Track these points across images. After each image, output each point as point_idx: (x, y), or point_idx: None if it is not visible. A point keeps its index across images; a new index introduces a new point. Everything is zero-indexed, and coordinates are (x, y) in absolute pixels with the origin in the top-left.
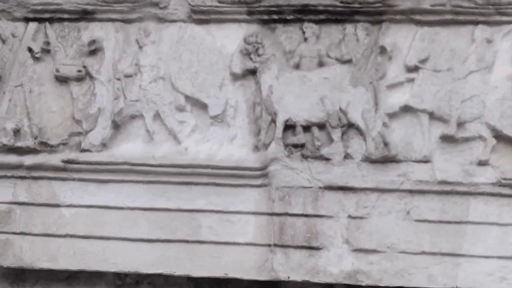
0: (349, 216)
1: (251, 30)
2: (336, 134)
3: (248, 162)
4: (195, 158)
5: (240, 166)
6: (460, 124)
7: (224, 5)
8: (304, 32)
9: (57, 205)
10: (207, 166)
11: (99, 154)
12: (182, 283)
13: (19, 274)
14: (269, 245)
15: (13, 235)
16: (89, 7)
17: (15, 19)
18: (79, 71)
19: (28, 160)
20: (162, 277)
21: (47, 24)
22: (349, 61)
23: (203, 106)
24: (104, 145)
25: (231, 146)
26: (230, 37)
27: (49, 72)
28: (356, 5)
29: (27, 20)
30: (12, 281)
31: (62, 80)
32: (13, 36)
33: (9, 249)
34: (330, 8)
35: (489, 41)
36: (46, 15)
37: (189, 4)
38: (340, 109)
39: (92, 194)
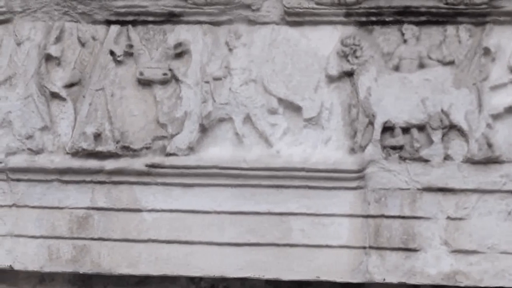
0: (448, 217)
1: (347, 32)
2: (437, 136)
3: (345, 164)
4: (289, 161)
5: (337, 169)
6: None
7: (322, 7)
8: (403, 34)
9: (138, 210)
10: (301, 169)
11: (186, 158)
12: (259, 286)
13: (86, 280)
14: (364, 247)
15: (91, 241)
16: (177, 10)
17: (96, 22)
18: (165, 74)
19: (109, 164)
20: (238, 280)
21: (129, 26)
22: (451, 63)
23: (296, 109)
24: (191, 149)
25: (326, 149)
26: (324, 39)
27: (131, 76)
28: (462, 6)
29: (108, 22)
30: (79, 287)
31: (145, 83)
32: (94, 39)
33: (86, 255)
34: (433, 10)
35: None
36: (130, 18)
37: (284, 6)
38: (442, 111)
39: (176, 198)
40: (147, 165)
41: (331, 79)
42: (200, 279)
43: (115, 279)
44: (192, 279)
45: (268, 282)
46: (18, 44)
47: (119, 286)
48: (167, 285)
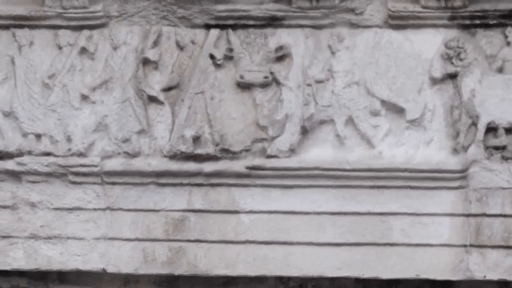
0: None
1: (450, 35)
2: None
3: (449, 164)
4: (392, 162)
5: (441, 169)
6: None
7: (427, 10)
8: (506, 36)
9: (236, 212)
10: (405, 170)
11: (288, 160)
12: (348, 285)
13: (172, 281)
14: (465, 246)
15: (187, 242)
16: (279, 14)
17: (195, 26)
18: (266, 77)
19: (208, 167)
20: (327, 280)
21: (229, 30)
22: None
23: (399, 111)
24: (292, 151)
25: (428, 150)
26: (427, 42)
27: (230, 79)
28: None
29: (207, 27)
30: None
31: (244, 86)
32: (193, 43)
33: (182, 257)
34: None
35: None
36: (230, 22)
37: (389, 10)
38: None
39: (275, 200)
40: (247, 167)
41: (434, 81)
42: (289, 278)
43: (201, 280)
44: (280, 279)
45: (358, 281)
46: (114, 48)
47: (205, 286)
48: (255, 285)
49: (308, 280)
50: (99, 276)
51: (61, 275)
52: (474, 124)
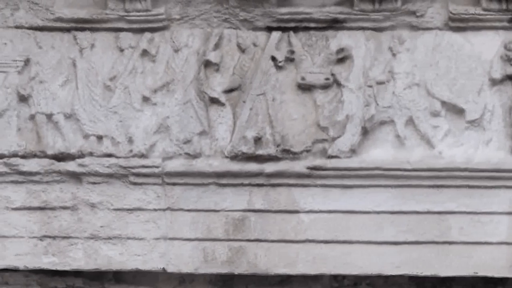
0: None
1: (510, 37)
2: None
3: (507, 164)
4: (452, 162)
5: (500, 168)
6: None
7: (488, 13)
8: None
9: (296, 211)
10: (464, 169)
11: (348, 160)
12: (402, 283)
13: (227, 280)
14: None
15: (247, 242)
16: (341, 16)
17: (256, 29)
18: (327, 79)
19: (269, 167)
20: (381, 278)
21: (291, 33)
22: None
23: (458, 111)
24: (353, 151)
25: (487, 149)
26: (486, 44)
27: (290, 80)
28: None
29: (269, 29)
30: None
31: (304, 88)
32: (254, 45)
33: (242, 256)
34: None
35: None
36: (291, 24)
37: (450, 12)
38: None
39: (334, 199)
40: (308, 168)
41: (493, 82)
42: (343, 277)
43: (257, 278)
44: (335, 277)
45: (412, 279)
46: (176, 51)
47: (261, 285)
48: (310, 284)
49: (363, 278)
50: (155, 276)
51: (117, 275)
52: None
